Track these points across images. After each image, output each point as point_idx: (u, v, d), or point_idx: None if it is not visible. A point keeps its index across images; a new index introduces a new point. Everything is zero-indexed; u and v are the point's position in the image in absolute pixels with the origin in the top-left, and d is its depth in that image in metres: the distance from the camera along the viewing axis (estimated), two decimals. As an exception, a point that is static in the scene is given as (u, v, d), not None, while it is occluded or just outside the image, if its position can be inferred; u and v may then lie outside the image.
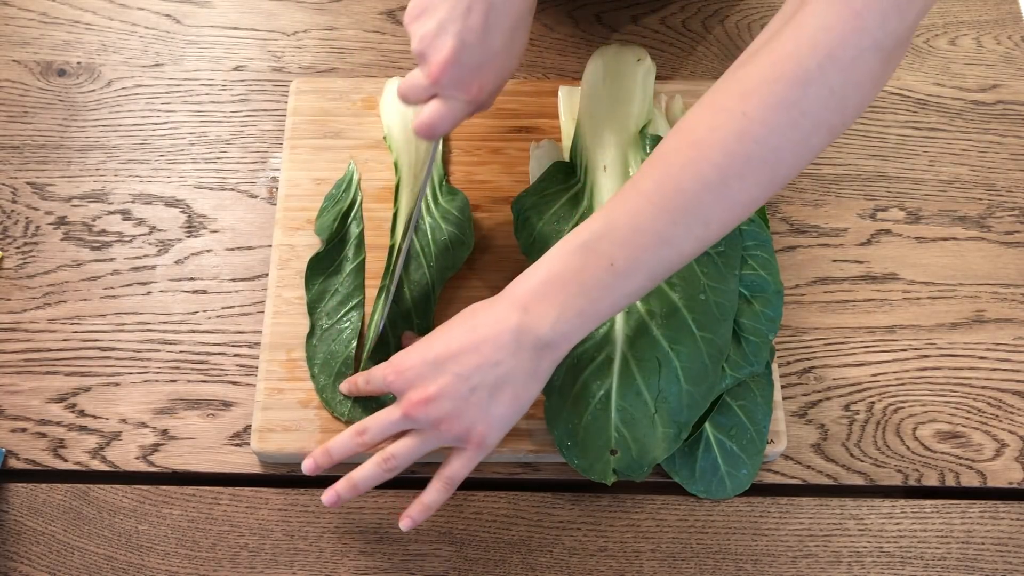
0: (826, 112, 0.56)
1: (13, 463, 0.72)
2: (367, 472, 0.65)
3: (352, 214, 0.79)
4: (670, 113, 0.82)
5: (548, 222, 0.74)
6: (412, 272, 0.76)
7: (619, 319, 0.69)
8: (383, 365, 0.65)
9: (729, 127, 0.56)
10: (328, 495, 0.65)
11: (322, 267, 0.77)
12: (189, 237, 0.81)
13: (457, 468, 0.64)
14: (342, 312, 0.75)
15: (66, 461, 0.72)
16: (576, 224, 0.72)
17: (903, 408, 0.76)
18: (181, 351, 0.76)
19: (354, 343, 0.74)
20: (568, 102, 0.83)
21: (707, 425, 0.70)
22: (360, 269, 0.77)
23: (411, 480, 0.72)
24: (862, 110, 0.58)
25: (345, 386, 0.71)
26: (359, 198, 0.80)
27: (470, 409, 0.61)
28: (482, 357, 0.60)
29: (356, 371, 0.73)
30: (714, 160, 0.56)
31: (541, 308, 0.60)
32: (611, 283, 0.59)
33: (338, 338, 0.74)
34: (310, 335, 0.74)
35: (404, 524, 0.65)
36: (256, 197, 0.83)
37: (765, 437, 0.70)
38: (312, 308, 0.75)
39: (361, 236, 0.78)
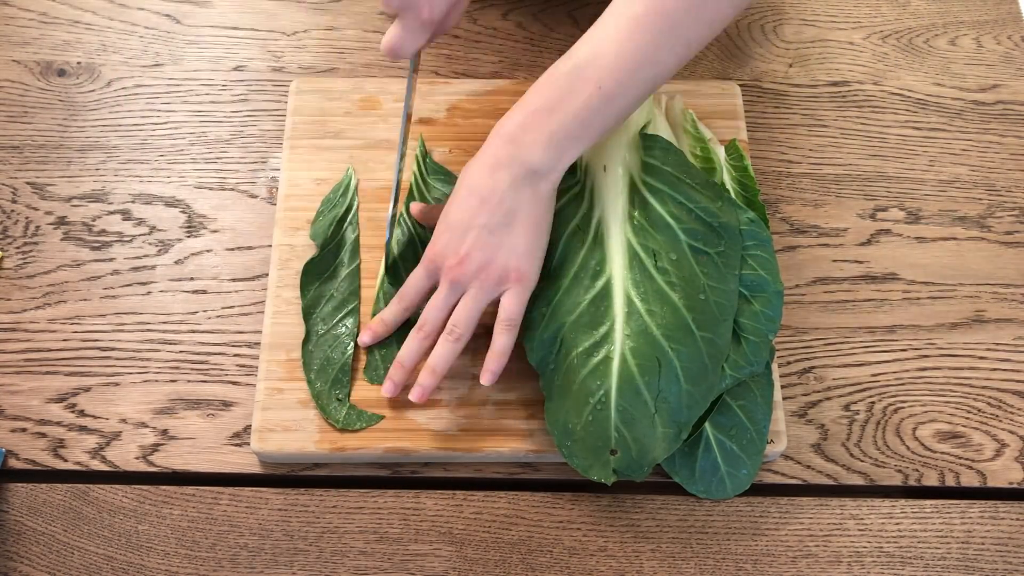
0: None
1: (13, 463, 0.72)
2: (440, 352, 0.69)
3: (348, 219, 0.79)
4: (670, 113, 0.82)
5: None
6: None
7: (619, 319, 0.69)
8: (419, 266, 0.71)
9: None
10: (415, 392, 0.69)
11: (317, 272, 0.77)
12: (189, 237, 0.81)
13: (511, 308, 0.68)
14: (338, 317, 0.75)
15: (66, 461, 0.72)
16: (580, 223, 0.72)
17: (903, 408, 0.76)
18: (181, 351, 0.76)
19: (351, 349, 0.74)
20: None
21: (707, 425, 0.70)
22: (355, 274, 0.77)
23: (412, 480, 0.72)
24: None
25: (367, 336, 0.73)
26: (356, 203, 0.80)
27: (498, 251, 0.67)
28: (489, 204, 0.66)
29: (352, 378, 0.73)
30: None
31: (530, 137, 0.65)
32: (599, 106, 0.64)
33: (335, 344, 0.74)
34: (306, 341, 0.74)
35: (485, 379, 0.69)
36: (256, 197, 0.83)
37: (765, 437, 0.70)
38: (307, 313, 0.75)
39: (357, 241, 0.78)
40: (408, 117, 0.78)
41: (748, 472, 0.70)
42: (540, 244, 0.69)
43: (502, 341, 0.69)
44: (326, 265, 0.77)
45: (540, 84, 0.66)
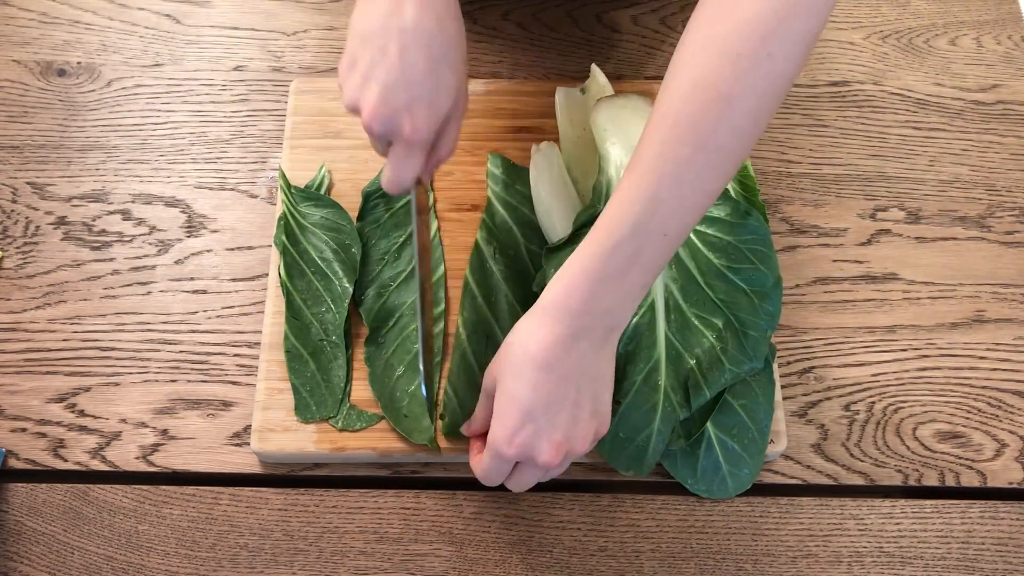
0: (817, 30, 0.59)
1: (13, 463, 0.72)
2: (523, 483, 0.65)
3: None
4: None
5: None
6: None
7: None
8: (493, 442, 0.63)
9: (757, 72, 0.57)
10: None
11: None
12: (189, 237, 0.81)
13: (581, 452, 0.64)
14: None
15: (66, 461, 0.72)
16: None
17: (903, 408, 0.76)
18: (181, 351, 0.76)
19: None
20: (566, 104, 0.83)
21: (709, 424, 0.70)
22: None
23: (412, 480, 0.72)
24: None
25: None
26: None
27: (587, 423, 0.62)
28: (572, 382, 0.61)
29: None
30: (747, 109, 0.58)
31: (603, 304, 0.60)
32: (665, 251, 0.61)
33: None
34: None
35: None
36: (256, 197, 0.83)
37: (767, 436, 0.70)
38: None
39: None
40: (424, 263, 0.75)
41: (750, 471, 0.70)
42: (611, 389, 0.64)
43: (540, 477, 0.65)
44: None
45: (601, 248, 0.60)
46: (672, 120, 0.59)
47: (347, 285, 0.75)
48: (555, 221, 0.76)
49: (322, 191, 0.80)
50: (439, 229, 0.79)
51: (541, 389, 0.61)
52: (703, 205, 0.60)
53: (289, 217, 0.78)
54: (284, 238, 0.77)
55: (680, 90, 0.59)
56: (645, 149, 0.60)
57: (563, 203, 0.76)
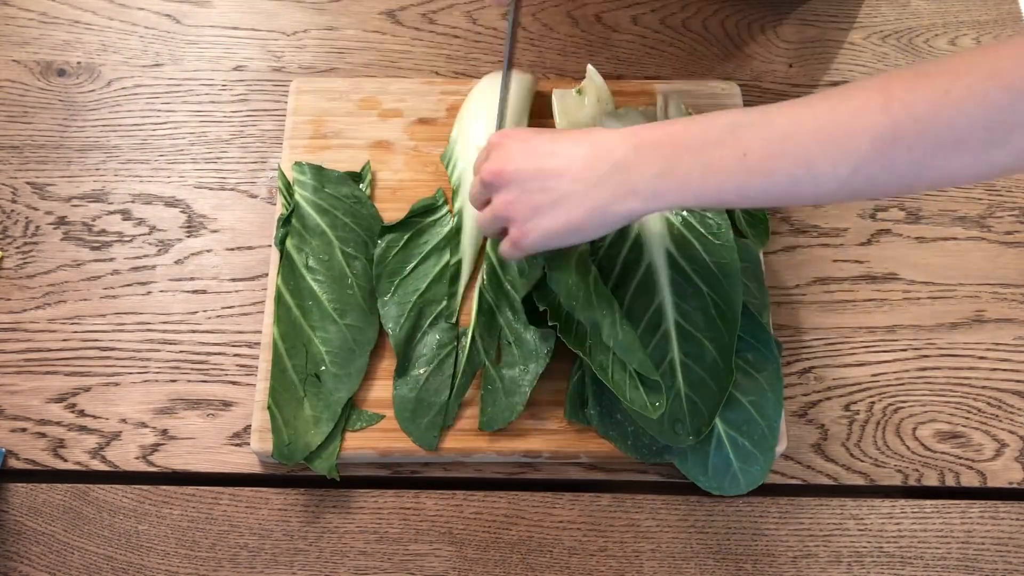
0: None
1: (13, 463, 0.72)
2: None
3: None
4: (669, 113, 0.82)
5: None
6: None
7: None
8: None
9: (926, 95, 0.52)
10: None
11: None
12: (189, 237, 0.81)
13: (504, 248, 0.66)
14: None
15: (66, 461, 0.72)
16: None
17: (903, 408, 0.76)
18: (181, 351, 0.76)
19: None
20: (562, 105, 0.83)
21: (718, 421, 0.70)
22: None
23: (412, 480, 0.72)
24: None
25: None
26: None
27: (525, 202, 0.62)
28: (567, 169, 0.61)
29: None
30: (894, 117, 0.52)
31: (651, 156, 0.59)
32: (732, 170, 0.57)
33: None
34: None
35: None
36: (256, 197, 0.83)
37: (777, 432, 0.70)
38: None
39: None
40: (510, 63, 0.77)
41: (761, 468, 0.70)
42: (562, 238, 0.63)
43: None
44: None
45: (698, 119, 0.59)
46: (841, 87, 0.56)
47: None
48: None
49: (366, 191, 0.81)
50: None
51: (543, 141, 0.63)
52: (793, 169, 0.55)
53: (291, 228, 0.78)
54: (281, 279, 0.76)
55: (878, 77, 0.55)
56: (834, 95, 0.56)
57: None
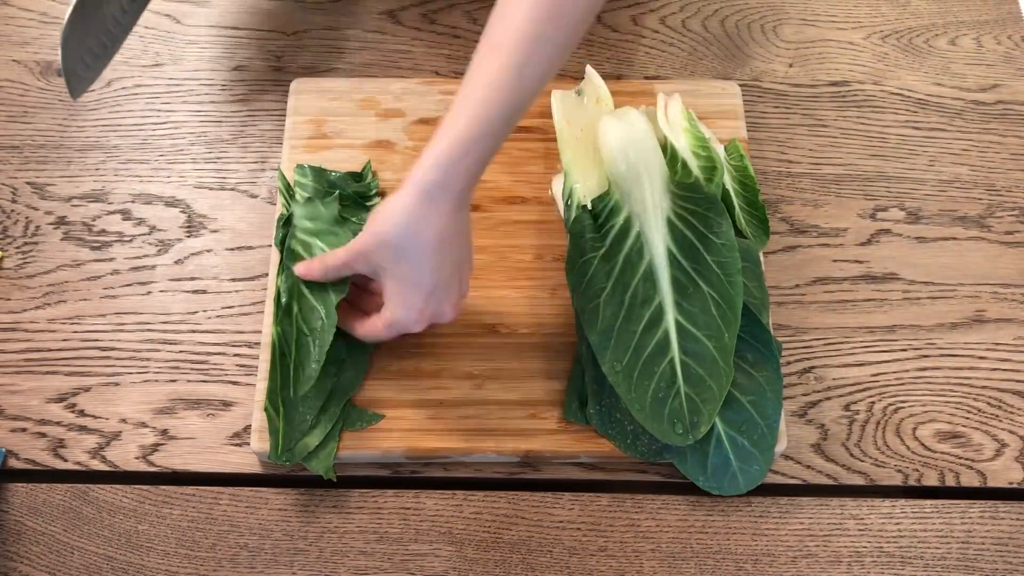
0: None
1: (13, 463, 0.72)
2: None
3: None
4: (669, 113, 0.82)
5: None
6: None
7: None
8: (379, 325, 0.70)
9: None
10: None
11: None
12: (189, 237, 0.81)
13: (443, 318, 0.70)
14: None
15: (66, 461, 0.72)
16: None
17: (903, 408, 0.76)
18: (181, 351, 0.76)
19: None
20: (562, 105, 0.83)
21: (718, 421, 0.70)
22: None
23: (412, 480, 0.72)
24: None
25: (302, 268, 0.72)
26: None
27: (446, 295, 0.68)
28: (456, 254, 0.67)
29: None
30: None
31: (463, 163, 0.64)
32: (509, 86, 0.67)
33: None
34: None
35: (361, 332, 0.72)
36: (256, 197, 0.83)
37: (776, 432, 0.70)
38: None
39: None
40: None
41: (760, 467, 0.70)
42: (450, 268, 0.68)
43: (370, 332, 0.71)
44: None
45: (449, 117, 0.67)
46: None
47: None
48: None
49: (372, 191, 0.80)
50: None
51: (440, 269, 0.66)
52: (540, 52, 0.68)
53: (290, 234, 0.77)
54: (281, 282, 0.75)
55: None
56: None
57: None
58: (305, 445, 0.70)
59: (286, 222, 0.77)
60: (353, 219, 0.77)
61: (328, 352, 0.70)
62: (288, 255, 0.75)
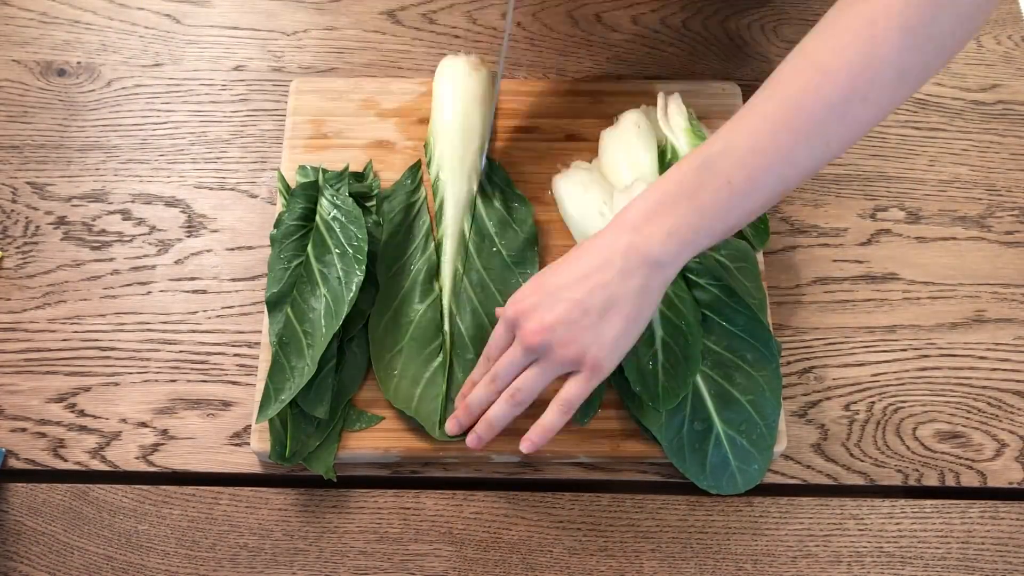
0: (952, 36, 0.59)
1: (13, 463, 0.72)
2: (499, 411, 0.66)
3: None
4: (669, 113, 0.82)
5: None
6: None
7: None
8: (503, 310, 0.67)
9: (856, 49, 0.58)
10: (471, 439, 0.68)
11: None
12: (189, 237, 0.81)
13: (574, 392, 0.65)
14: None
15: (66, 461, 0.72)
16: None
17: (903, 408, 0.76)
18: (181, 351, 0.76)
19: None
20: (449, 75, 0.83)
21: (716, 420, 0.70)
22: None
23: (412, 480, 0.72)
24: (977, 31, 0.61)
25: (452, 425, 0.70)
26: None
27: (583, 333, 0.63)
28: (592, 281, 0.62)
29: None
30: (839, 82, 0.58)
31: (651, 228, 0.61)
32: (727, 201, 0.60)
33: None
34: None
35: (525, 447, 0.66)
36: (256, 197, 0.83)
37: (775, 431, 0.70)
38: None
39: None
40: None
41: (759, 467, 0.70)
42: (629, 338, 0.64)
43: (553, 419, 0.65)
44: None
45: (670, 174, 0.62)
46: (774, 78, 0.61)
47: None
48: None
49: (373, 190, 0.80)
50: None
51: (564, 271, 0.63)
52: (777, 171, 0.60)
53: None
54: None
55: (789, 59, 0.60)
56: (746, 103, 0.62)
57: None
58: (305, 445, 0.70)
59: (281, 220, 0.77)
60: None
61: (325, 350, 0.71)
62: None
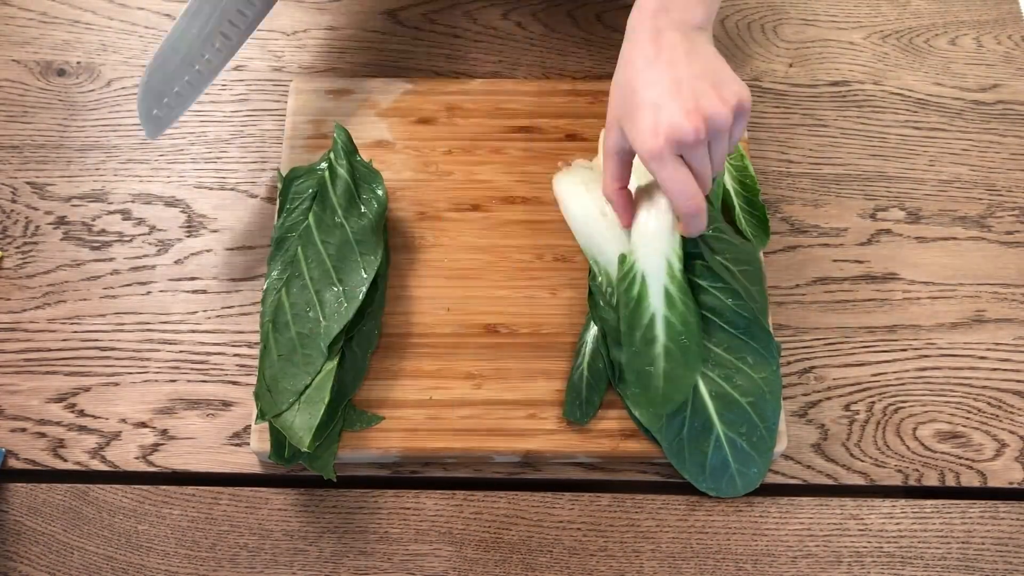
0: None
1: (13, 463, 0.72)
2: (702, 183, 0.65)
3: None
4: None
5: None
6: None
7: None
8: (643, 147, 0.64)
9: None
10: (693, 224, 0.66)
11: None
12: (189, 237, 0.81)
13: (738, 133, 0.65)
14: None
15: (66, 461, 0.72)
16: None
17: (903, 408, 0.76)
18: (181, 351, 0.76)
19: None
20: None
21: (717, 422, 0.70)
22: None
23: (412, 480, 0.72)
24: None
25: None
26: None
27: (710, 88, 0.62)
28: (677, 54, 0.63)
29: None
30: None
31: (679, 6, 0.65)
32: None
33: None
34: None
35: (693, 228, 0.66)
36: (256, 197, 0.83)
37: (775, 434, 0.70)
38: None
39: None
40: None
41: (759, 470, 0.70)
42: (722, 66, 0.64)
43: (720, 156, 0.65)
44: None
45: None
46: None
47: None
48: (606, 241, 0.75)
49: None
50: None
51: (649, 74, 0.63)
52: None
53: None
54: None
55: None
56: None
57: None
58: None
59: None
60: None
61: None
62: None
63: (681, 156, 0.63)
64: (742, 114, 0.63)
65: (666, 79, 0.63)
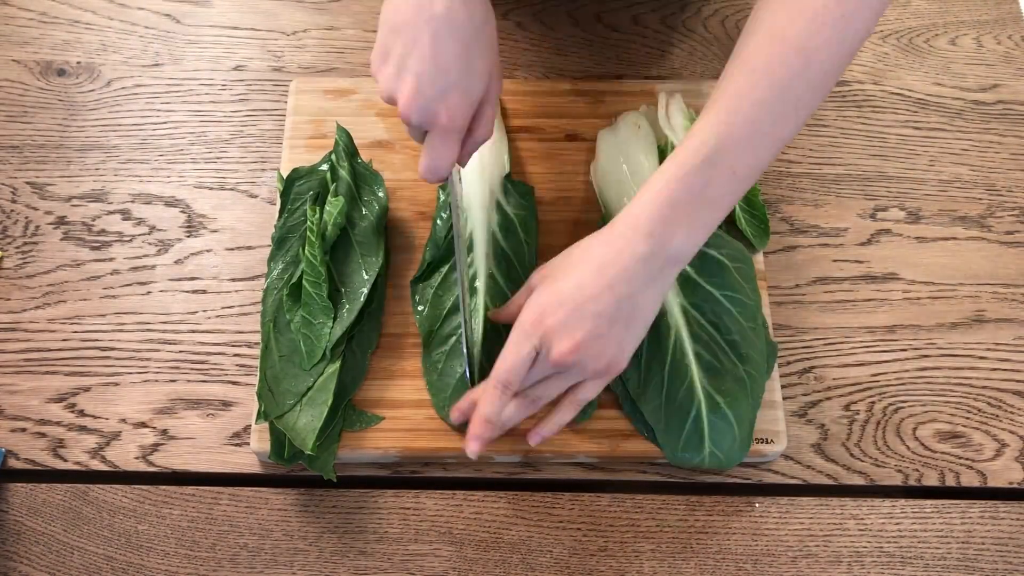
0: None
1: (13, 463, 0.72)
2: (512, 414, 0.67)
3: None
4: (670, 113, 0.82)
5: None
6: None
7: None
8: (520, 321, 0.65)
9: (833, 30, 0.62)
10: (471, 446, 0.67)
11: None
12: (189, 237, 0.81)
13: (590, 392, 0.67)
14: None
15: (66, 461, 0.72)
16: None
17: (903, 408, 0.76)
18: (181, 351, 0.76)
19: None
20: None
21: (702, 398, 0.71)
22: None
23: (412, 480, 0.72)
24: None
25: (456, 415, 0.70)
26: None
27: (610, 344, 0.64)
28: (616, 292, 0.63)
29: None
30: (823, 65, 0.62)
31: (669, 231, 0.63)
32: (733, 189, 0.64)
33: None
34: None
35: (533, 440, 0.68)
36: (256, 197, 0.83)
37: (759, 402, 0.71)
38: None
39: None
40: (459, 237, 0.74)
41: (739, 439, 0.70)
42: (642, 337, 0.67)
43: (564, 417, 0.68)
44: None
45: (672, 172, 0.63)
46: (751, 67, 0.62)
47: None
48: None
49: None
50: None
51: (585, 288, 0.63)
52: (773, 150, 0.64)
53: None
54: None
55: (758, 41, 0.63)
56: (722, 90, 0.63)
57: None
58: None
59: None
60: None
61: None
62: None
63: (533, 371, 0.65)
64: (599, 380, 0.67)
65: (602, 303, 0.63)
